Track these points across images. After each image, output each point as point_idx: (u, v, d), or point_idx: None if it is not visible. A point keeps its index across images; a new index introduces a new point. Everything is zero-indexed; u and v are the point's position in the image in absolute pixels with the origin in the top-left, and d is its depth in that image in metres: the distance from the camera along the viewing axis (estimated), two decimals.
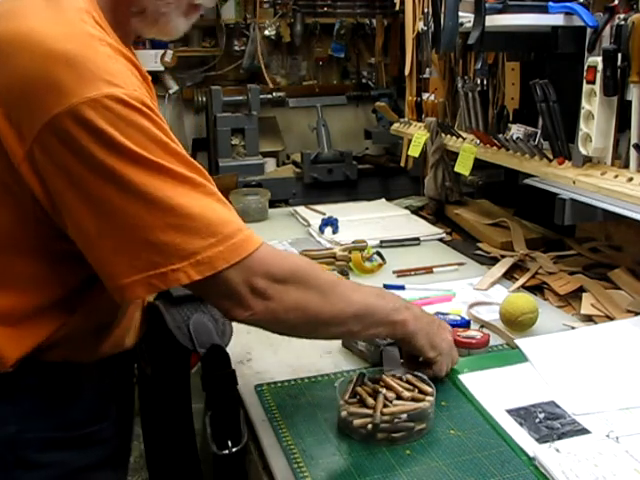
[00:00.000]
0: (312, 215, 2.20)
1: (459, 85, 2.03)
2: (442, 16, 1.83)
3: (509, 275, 1.67)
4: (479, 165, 1.99)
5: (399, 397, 1.01)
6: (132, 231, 0.84)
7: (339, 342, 1.30)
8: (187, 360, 1.12)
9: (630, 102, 1.37)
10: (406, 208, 2.32)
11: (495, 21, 1.61)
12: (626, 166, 1.42)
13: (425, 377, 1.07)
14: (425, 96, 2.36)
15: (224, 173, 3.12)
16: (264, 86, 3.41)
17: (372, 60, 3.69)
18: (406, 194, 2.54)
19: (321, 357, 1.26)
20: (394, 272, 1.71)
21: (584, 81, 1.45)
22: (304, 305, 0.96)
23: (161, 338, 1.10)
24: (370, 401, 1.00)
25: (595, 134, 1.44)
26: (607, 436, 0.97)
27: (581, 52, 1.48)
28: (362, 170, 3.28)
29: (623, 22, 1.35)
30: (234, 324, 1.08)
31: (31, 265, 0.91)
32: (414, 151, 2.26)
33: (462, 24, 1.76)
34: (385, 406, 0.99)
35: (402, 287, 1.60)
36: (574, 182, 1.51)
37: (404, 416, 0.98)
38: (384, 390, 1.02)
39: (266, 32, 3.44)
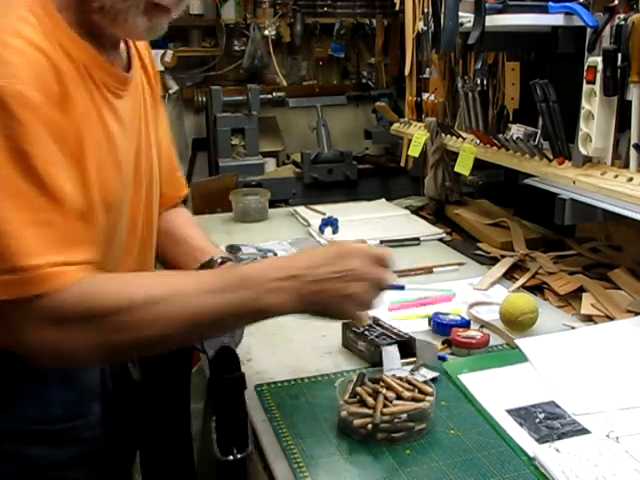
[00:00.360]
0: (312, 215, 2.20)
1: (459, 85, 2.03)
2: (442, 16, 1.83)
3: (509, 275, 1.67)
4: (479, 165, 1.99)
5: (399, 397, 1.01)
6: None
7: (339, 342, 1.30)
8: (189, 360, 1.11)
9: (630, 102, 1.37)
10: (406, 208, 2.31)
11: (495, 21, 1.61)
12: (626, 166, 1.42)
13: (425, 377, 1.07)
14: (425, 96, 2.36)
15: (224, 173, 3.13)
16: (264, 86, 3.42)
17: (372, 60, 3.70)
18: (406, 194, 2.53)
19: (321, 357, 1.26)
20: (394, 272, 1.71)
21: (584, 81, 1.45)
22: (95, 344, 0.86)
23: None
24: (370, 401, 1.00)
25: (595, 134, 1.44)
26: (607, 436, 0.97)
27: (581, 52, 1.48)
28: (362, 170, 3.28)
29: (623, 22, 1.35)
30: None
31: None
32: (414, 151, 2.26)
33: (462, 24, 1.76)
34: (385, 406, 0.99)
35: (402, 287, 1.59)
36: (574, 182, 1.51)
37: (404, 416, 0.98)
38: (384, 390, 1.02)
39: (266, 32, 3.45)
